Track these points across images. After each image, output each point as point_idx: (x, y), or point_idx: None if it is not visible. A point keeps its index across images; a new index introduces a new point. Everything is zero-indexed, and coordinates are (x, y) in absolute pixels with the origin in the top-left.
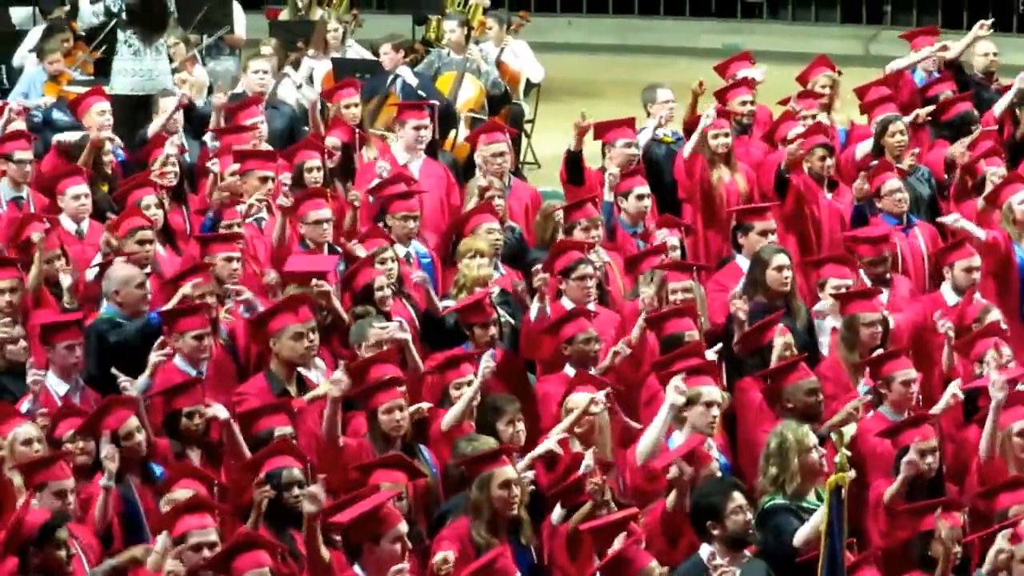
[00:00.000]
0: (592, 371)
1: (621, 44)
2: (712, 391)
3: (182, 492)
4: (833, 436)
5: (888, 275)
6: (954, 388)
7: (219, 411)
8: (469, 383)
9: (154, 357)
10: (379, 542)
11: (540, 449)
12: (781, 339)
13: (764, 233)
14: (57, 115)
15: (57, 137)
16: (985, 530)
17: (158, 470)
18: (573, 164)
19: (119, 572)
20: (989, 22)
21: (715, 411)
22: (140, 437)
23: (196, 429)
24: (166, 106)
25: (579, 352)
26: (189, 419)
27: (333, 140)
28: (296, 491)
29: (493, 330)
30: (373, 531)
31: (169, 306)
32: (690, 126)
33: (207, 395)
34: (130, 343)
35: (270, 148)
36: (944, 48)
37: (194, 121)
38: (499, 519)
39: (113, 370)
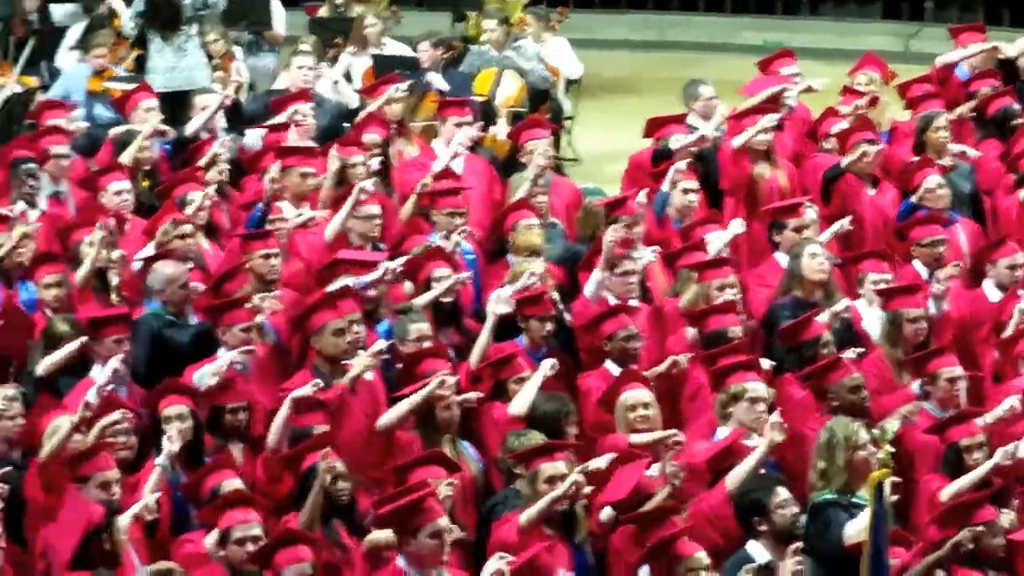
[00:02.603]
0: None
1: (661, 40)
2: (757, 387)
3: (227, 483)
4: (876, 433)
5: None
6: (1012, 400)
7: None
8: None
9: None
10: (416, 535)
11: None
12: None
13: (799, 229)
14: (99, 111)
15: (113, 132)
16: None
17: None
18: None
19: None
20: None
21: (760, 407)
22: (184, 425)
23: (239, 424)
24: (202, 103)
25: (619, 349)
26: (233, 415)
27: (371, 137)
28: (340, 484)
29: (550, 326)
30: (410, 525)
31: (147, 253)
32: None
33: (253, 390)
34: (182, 348)
35: (313, 144)
36: (995, 49)
37: (233, 118)
38: (550, 514)
39: None
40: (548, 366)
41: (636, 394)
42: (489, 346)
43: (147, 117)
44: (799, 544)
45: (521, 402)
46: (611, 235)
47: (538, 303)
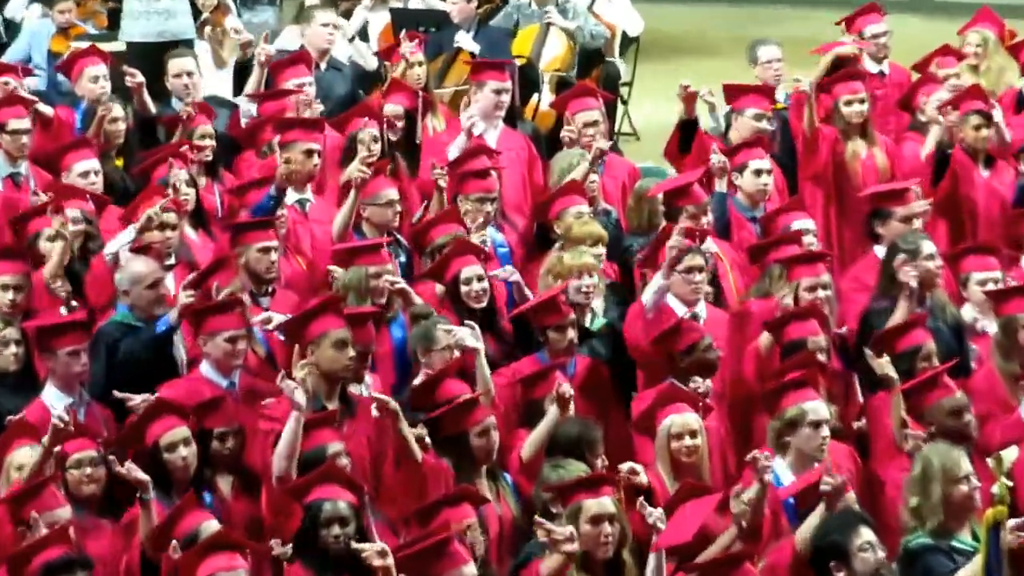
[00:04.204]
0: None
1: None
2: (818, 408)
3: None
4: (991, 462)
5: None
6: None
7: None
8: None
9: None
10: None
11: None
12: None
13: (907, 220)
14: (63, 78)
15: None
16: None
17: (208, 497)
18: (686, 135)
19: None
20: None
21: (824, 431)
22: (185, 452)
23: (228, 453)
24: (176, 68)
25: (699, 362)
26: (221, 442)
27: (394, 108)
28: (337, 529)
29: (571, 333)
30: (431, 573)
31: (130, 235)
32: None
33: (242, 408)
34: (138, 357)
35: (318, 116)
36: None
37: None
38: (591, 560)
39: (117, 393)
40: (562, 393)
41: (682, 419)
42: (489, 378)
43: (94, 88)
44: None
45: (530, 447)
46: (675, 241)
47: (553, 310)
